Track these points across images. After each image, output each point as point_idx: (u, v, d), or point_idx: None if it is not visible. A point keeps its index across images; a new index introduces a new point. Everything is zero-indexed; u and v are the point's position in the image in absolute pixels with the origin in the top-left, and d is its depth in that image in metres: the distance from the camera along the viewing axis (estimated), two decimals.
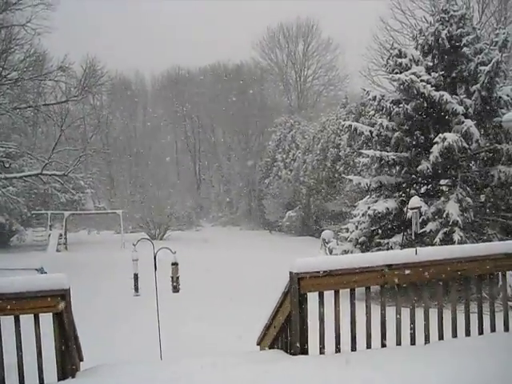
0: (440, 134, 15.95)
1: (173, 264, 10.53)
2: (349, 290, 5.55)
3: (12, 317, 4.91)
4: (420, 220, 13.98)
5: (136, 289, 10.92)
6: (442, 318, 5.84)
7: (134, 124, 71.55)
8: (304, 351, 5.50)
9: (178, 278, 10.45)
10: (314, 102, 69.07)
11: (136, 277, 10.87)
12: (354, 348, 5.60)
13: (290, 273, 5.49)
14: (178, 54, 68.96)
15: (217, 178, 68.71)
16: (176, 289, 10.41)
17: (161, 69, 72.37)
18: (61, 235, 38.62)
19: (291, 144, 50.45)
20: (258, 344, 6.81)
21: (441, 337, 5.88)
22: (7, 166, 26.45)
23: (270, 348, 6.33)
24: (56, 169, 32.50)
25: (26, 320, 4.97)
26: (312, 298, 5.53)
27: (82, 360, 6.12)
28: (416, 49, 18.47)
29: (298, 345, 5.48)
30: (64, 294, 4.92)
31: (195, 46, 68.65)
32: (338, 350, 5.57)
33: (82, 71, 32.90)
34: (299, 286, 5.43)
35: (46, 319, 5.04)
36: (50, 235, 38.32)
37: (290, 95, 70.24)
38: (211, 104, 66.60)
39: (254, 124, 64.17)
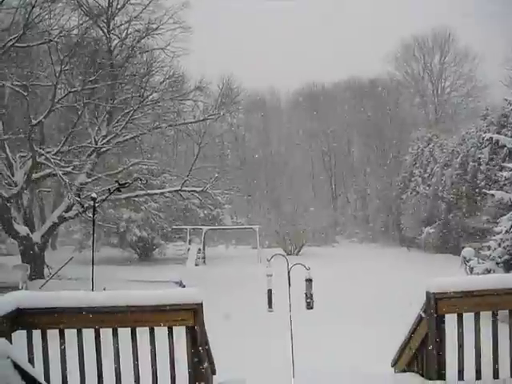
0: None
1: (307, 280, 10.47)
2: (490, 312, 5.21)
3: (147, 328, 5.04)
4: None
5: (270, 304, 10.95)
6: None
7: (270, 140, 72.51)
8: (441, 376, 5.20)
9: (311, 294, 10.37)
10: (452, 114, 66.86)
11: (270, 292, 10.91)
12: (496, 375, 5.21)
13: (427, 292, 5.24)
14: (312, 70, 69.21)
15: (353, 194, 68.02)
16: (310, 305, 10.34)
17: (295, 85, 73.07)
18: (199, 249, 39.69)
19: (429, 158, 48.98)
20: (392, 365, 6.56)
21: None
22: (144, 182, 27.63)
23: (404, 371, 6.07)
24: (195, 185, 33.56)
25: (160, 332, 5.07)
26: (450, 319, 5.24)
27: (214, 373, 6.16)
28: None
29: (434, 369, 5.20)
30: (197, 309, 4.97)
31: (329, 61, 68.72)
32: (478, 376, 5.21)
33: (219, 90, 33.83)
34: (436, 307, 5.16)
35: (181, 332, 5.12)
36: (189, 249, 39.51)
37: (426, 108, 68.42)
38: (346, 119, 66.26)
39: (391, 138, 63.02)
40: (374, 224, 60.76)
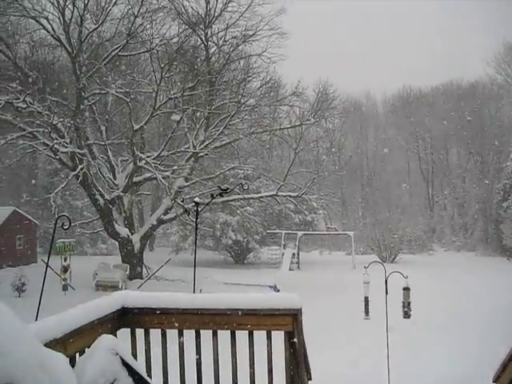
0: None
1: (404, 289, 10.29)
2: None
3: (246, 332, 5.10)
4: None
5: (366, 312, 10.84)
6: None
7: (366, 146, 71.76)
8: None
9: (409, 303, 10.18)
10: None
11: (367, 300, 10.79)
12: None
13: None
14: (409, 74, 68.08)
15: (450, 201, 66.14)
16: (407, 314, 10.15)
17: (391, 89, 72.13)
18: (294, 254, 39.71)
19: None
20: (494, 381, 6.34)
21: None
22: (245, 187, 27.97)
23: None
24: (290, 190, 33.70)
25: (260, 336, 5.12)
26: None
27: (310, 379, 6.16)
28: None
29: None
30: (296, 314, 4.99)
31: (427, 64, 67.36)
32: None
33: (315, 95, 33.81)
34: None
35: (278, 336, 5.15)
36: (283, 254, 39.60)
37: None
38: (444, 124, 64.59)
39: (491, 144, 60.91)
40: (472, 232, 58.89)
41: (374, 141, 72.95)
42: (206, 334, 5.13)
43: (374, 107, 75.32)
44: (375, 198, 64.38)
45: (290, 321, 4.97)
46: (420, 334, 15.38)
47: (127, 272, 27.57)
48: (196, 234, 11.46)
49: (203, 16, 30.65)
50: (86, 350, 4.00)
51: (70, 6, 26.20)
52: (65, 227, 6.41)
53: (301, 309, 5.00)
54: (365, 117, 72.42)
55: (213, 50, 31.90)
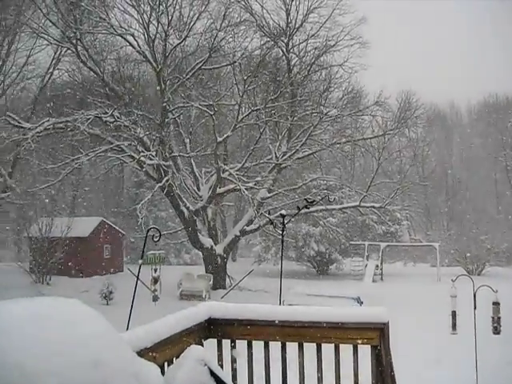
0: None
1: (494, 303, 9.96)
2: None
3: (332, 345, 5.07)
4: None
5: (453, 326, 10.56)
6: None
7: (451, 155, 70.11)
8: None
9: (499, 318, 9.85)
10: None
11: (454, 314, 10.52)
12: None
13: None
14: (494, 81, 66.05)
15: None
16: (497, 330, 9.83)
17: (477, 97, 70.27)
18: (377, 266, 39.09)
19: None
20: None
21: None
22: (331, 199, 27.82)
23: None
24: (373, 201, 33.29)
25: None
26: None
27: None
28: None
29: None
30: (383, 328, 4.92)
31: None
32: None
33: (398, 105, 33.37)
34: None
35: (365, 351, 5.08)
36: (366, 265, 39.05)
37: None
38: None
39: None
40: None
41: (459, 150, 71.16)
42: (292, 347, 5.14)
43: (458, 115, 73.64)
44: (461, 208, 62.62)
45: (376, 335, 4.90)
46: (509, 351, 14.81)
47: (211, 282, 27.88)
48: (282, 246, 11.46)
49: (284, 28, 30.86)
50: (174, 359, 4.08)
51: (154, 23, 26.93)
52: (155, 239, 6.58)
53: (388, 323, 4.92)
54: (449, 126, 70.89)
55: (294, 61, 32.05)
